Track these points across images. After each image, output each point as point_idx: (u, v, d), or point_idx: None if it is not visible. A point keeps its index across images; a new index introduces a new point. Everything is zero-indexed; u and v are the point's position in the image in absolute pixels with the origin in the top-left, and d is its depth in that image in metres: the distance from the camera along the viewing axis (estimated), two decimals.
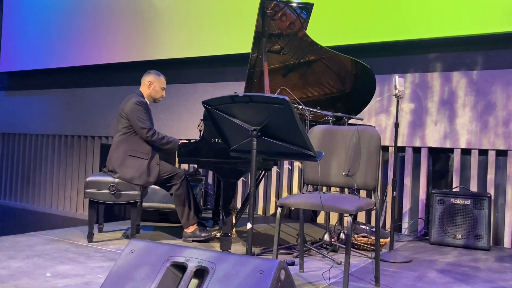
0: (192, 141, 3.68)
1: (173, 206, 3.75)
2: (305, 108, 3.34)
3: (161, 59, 5.82)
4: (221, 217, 3.46)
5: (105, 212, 4.02)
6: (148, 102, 3.78)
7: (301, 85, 3.97)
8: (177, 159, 3.54)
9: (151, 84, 3.77)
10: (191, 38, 5.72)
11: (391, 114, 4.57)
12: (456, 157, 4.30)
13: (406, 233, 4.41)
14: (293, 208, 4.97)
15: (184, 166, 5.56)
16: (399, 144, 4.37)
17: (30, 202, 7.36)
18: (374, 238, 3.40)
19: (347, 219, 2.39)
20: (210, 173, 5.51)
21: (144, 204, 4.16)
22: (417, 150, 4.50)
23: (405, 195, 4.49)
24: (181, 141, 3.58)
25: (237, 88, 4.91)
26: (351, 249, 3.25)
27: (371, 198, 3.72)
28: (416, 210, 4.46)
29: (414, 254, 3.55)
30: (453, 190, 4.16)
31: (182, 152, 3.44)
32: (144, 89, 3.78)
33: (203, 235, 3.61)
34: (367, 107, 4.12)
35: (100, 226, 3.95)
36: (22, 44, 7.47)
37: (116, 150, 3.65)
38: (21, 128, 7.57)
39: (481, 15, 4.10)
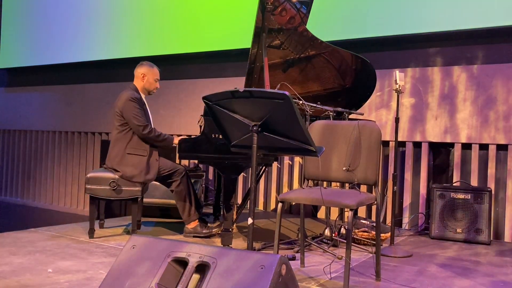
0: (192, 136, 3.68)
1: (174, 201, 3.75)
2: (306, 103, 3.34)
3: (161, 55, 5.81)
4: (222, 213, 3.47)
5: (106, 208, 4.03)
6: (143, 96, 3.73)
7: (301, 80, 3.96)
8: (177, 155, 3.54)
9: (145, 77, 3.71)
10: (191, 34, 5.71)
11: (392, 109, 4.56)
12: (457, 152, 4.30)
13: (406, 227, 4.41)
14: (293, 203, 4.98)
15: (185, 162, 5.56)
16: (400, 139, 4.37)
17: (31, 199, 7.37)
18: (374, 232, 3.41)
19: (348, 214, 2.40)
20: (211, 168, 5.52)
21: (145, 200, 4.16)
22: (417, 145, 4.50)
23: (406, 189, 4.49)
24: (181, 137, 3.57)
25: (237, 83, 4.90)
26: (352, 243, 3.26)
27: (371, 193, 3.73)
28: (416, 205, 4.46)
29: (414, 249, 3.56)
30: (454, 184, 4.16)
31: (182, 148, 3.44)
32: (138, 82, 3.72)
33: (204, 231, 3.61)
34: (367, 102, 4.11)
35: (101, 222, 3.96)
36: (21, 40, 7.46)
37: (114, 148, 3.63)
38: (22, 125, 7.57)
39: (482, 8, 4.08)
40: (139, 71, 3.73)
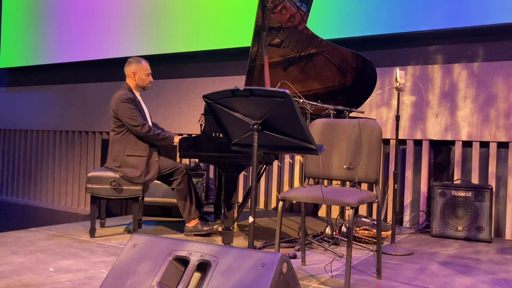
0: (193, 135, 3.67)
1: (174, 200, 3.75)
2: (306, 101, 3.34)
3: (161, 54, 5.81)
4: (222, 211, 3.47)
5: (107, 207, 4.03)
6: (137, 94, 3.72)
7: (301, 78, 3.96)
8: (178, 153, 3.54)
9: (135, 74, 3.69)
10: (191, 33, 5.71)
11: (392, 107, 4.56)
12: (457, 150, 4.29)
13: (407, 225, 4.41)
14: (294, 202, 4.98)
15: (186, 161, 5.56)
16: (400, 137, 4.37)
17: (32, 198, 7.38)
18: (375, 231, 3.41)
19: (349, 212, 2.40)
20: (212, 167, 5.52)
21: (146, 199, 4.17)
22: (418, 143, 4.50)
23: (407, 187, 4.49)
24: (181, 136, 3.57)
25: (238, 82, 4.90)
26: (353, 242, 3.25)
27: (372, 191, 3.72)
28: (417, 203, 4.46)
29: (415, 247, 3.56)
30: (455, 182, 4.16)
31: (183, 147, 3.44)
32: (130, 80, 3.71)
33: (205, 229, 3.61)
34: (368, 100, 4.11)
35: (102, 221, 3.97)
36: (22, 40, 7.46)
37: (112, 150, 3.63)
38: (22, 124, 7.57)
39: (482, 6, 4.08)
40: (129, 69, 3.70)
